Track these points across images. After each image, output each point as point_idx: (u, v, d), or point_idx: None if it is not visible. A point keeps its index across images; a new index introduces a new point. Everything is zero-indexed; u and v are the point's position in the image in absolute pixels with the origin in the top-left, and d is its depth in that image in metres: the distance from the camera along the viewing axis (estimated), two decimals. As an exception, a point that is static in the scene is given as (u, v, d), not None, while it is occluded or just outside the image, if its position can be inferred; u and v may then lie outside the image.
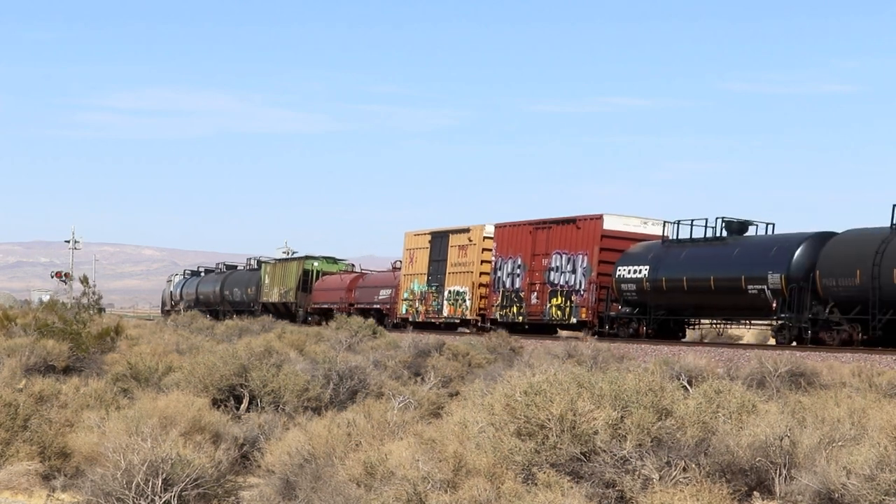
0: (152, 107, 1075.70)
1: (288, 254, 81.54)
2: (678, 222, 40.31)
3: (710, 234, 38.78)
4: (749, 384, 16.76)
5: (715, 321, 40.12)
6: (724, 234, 38.44)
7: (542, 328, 43.45)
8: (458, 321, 49.43)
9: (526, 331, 43.85)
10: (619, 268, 40.60)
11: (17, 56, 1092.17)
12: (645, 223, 42.81)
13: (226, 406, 15.85)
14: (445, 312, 49.94)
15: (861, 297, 31.78)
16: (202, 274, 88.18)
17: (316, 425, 12.37)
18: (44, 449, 13.18)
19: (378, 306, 56.21)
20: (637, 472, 9.91)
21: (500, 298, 46.56)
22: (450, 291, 49.98)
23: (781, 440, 10.60)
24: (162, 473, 10.67)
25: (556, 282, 43.82)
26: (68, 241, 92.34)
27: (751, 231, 38.74)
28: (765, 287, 34.87)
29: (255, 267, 75.52)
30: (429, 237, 52.27)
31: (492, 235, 47.96)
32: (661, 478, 9.76)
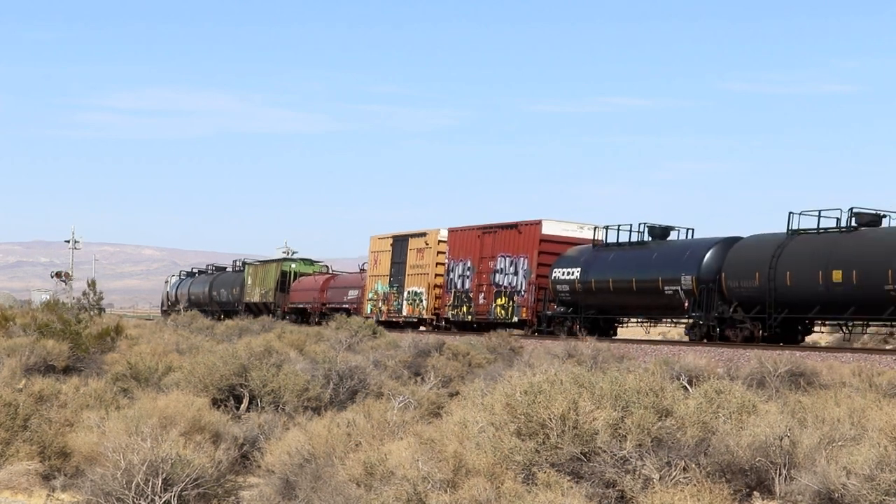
0: (152, 107, 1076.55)
1: (288, 254, 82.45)
2: (607, 227, 43.29)
3: (636, 238, 41.89)
4: (749, 384, 16.76)
5: (638, 319, 43.31)
6: (648, 238, 41.50)
7: (489, 326, 44.89)
8: (415, 320, 52.40)
9: (474, 329, 46.18)
10: (555, 270, 43.51)
11: (17, 56, 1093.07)
12: (581, 228, 45.76)
13: (226, 406, 15.85)
14: (405, 312, 53.02)
15: (760, 298, 34.80)
16: (196, 275, 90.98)
17: (316, 425, 12.36)
18: (44, 449, 13.18)
19: (347, 306, 59.32)
20: (637, 472, 9.91)
21: (452, 298, 49.86)
22: (409, 292, 53.33)
23: (781, 440, 10.60)
24: (162, 473, 10.67)
25: (500, 283, 47.01)
26: (68, 241, 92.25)
27: (672, 236, 41.60)
28: (679, 288, 37.81)
29: (241, 269, 78.85)
30: (391, 241, 55.55)
31: (445, 239, 51.35)
32: (661, 478, 9.76)
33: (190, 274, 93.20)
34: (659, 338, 43.48)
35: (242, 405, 16.28)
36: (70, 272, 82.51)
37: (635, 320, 43.57)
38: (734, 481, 10.46)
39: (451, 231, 51.21)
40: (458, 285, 49.73)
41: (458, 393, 17.71)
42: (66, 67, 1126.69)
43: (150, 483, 10.60)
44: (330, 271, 69.45)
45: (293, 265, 70.06)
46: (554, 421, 10.26)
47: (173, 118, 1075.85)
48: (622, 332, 44.84)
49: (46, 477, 12.89)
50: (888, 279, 30.96)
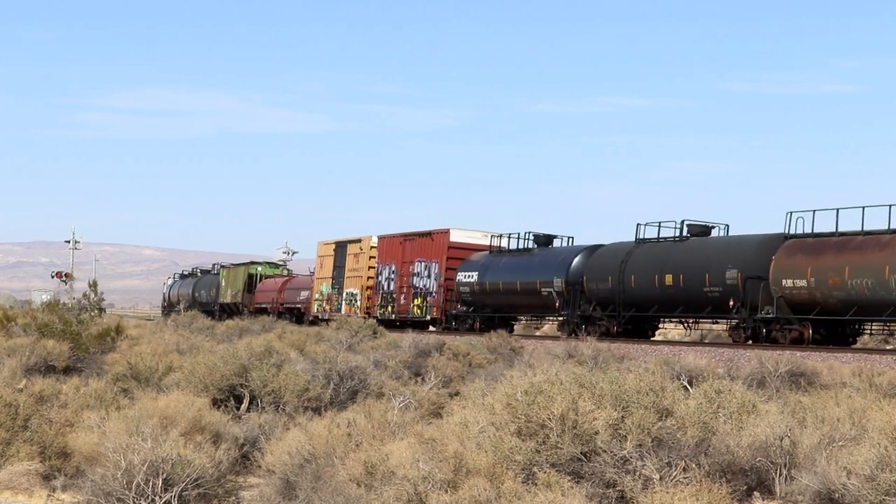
0: (152, 107, 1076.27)
1: (288, 254, 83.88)
2: (501, 236, 48.98)
3: (524, 245, 47.53)
4: (749, 384, 16.76)
5: (525, 318, 48.75)
6: (533, 245, 47.19)
7: (409, 324, 49.67)
8: (354, 318, 56.40)
9: (397, 326, 49.70)
10: (459, 273, 49.14)
11: (17, 56, 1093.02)
12: (486, 236, 50.62)
13: (226, 406, 15.85)
14: (343, 311, 57.77)
15: (612, 298, 40.48)
16: (187, 277, 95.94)
17: (316, 425, 12.37)
18: (44, 449, 13.18)
19: (299, 306, 65.40)
20: (637, 473, 9.91)
21: (379, 299, 55.39)
22: (347, 293, 58.91)
23: (782, 440, 10.61)
24: (162, 473, 10.68)
25: (417, 285, 52.65)
26: (68, 241, 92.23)
27: (556, 243, 47.15)
28: (552, 289, 43.21)
29: (218, 272, 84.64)
30: (333, 246, 61.21)
31: (376, 245, 56.75)
32: (661, 478, 9.76)
33: (183, 276, 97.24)
34: (539, 334, 47.68)
35: (243, 405, 16.29)
36: (70, 272, 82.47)
37: (524, 318, 48.91)
38: (734, 481, 10.46)
39: (380, 238, 56.74)
40: (385, 287, 55.07)
41: (458, 393, 17.72)
42: (66, 67, 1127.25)
43: (151, 483, 10.61)
44: (290, 274, 75.02)
45: (259, 268, 76.24)
46: (554, 421, 10.26)
47: (173, 118, 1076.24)
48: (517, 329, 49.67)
49: (47, 477, 12.90)
50: (706, 282, 36.62)
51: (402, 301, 53.31)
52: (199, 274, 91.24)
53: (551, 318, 46.03)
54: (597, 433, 10.24)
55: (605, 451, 10.10)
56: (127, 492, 10.54)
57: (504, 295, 46.43)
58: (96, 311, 24.23)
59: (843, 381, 18.47)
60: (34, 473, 12.72)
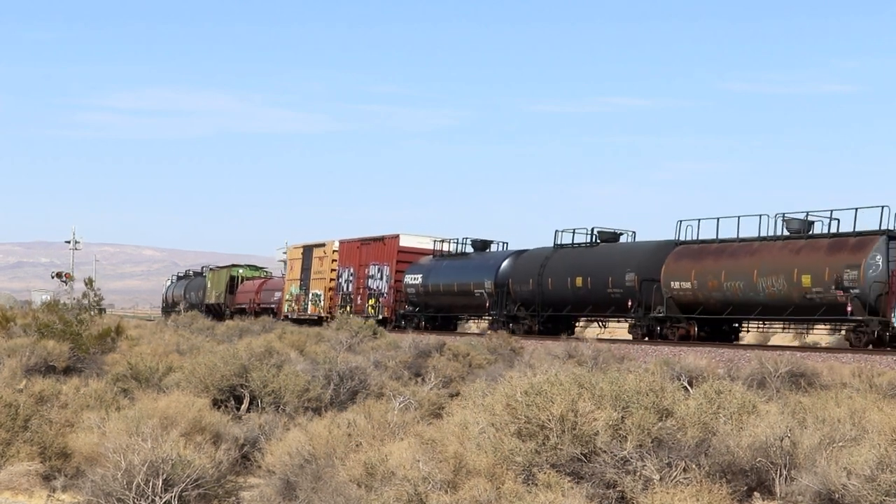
0: (152, 107, 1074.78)
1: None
2: (444, 241, 53.18)
3: (464, 250, 51.77)
4: (749, 385, 16.77)
5: (464, 316, 52.78)
6: (471, 250, 51.37)
7: None
8: (317, 317, 60.16)
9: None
10: (407, 276, 52.95)
11: (17, 56, 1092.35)
12: (432, 241, 54.52)
13: (226, 406, 15.85)
14: (309, 310, 62.10)
15: (533, 299, 44.23)
16: (181, 279, 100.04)
17: (316, 426, 12.37)
18: (44, 449, 13.19)
19: (273, 306, 69.86)
20: (638, 473, 9.91)
21: (339, 300, 59.32)
22: (313, 294, 63.03)
23: (782, 441, 10.61)
24: (162, 474, 10.68)
25: (371, 286, 56.75)
26: (69, 242, 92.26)
27: (492, 248, 51.02)
28: (483, 291, 47.32)
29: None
30: (301, 250, 65.70)
31: (338, 249, 60.85)
32: (661, 478, 9.76)
33: (179, 277, 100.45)
34: (477, 331, 49.97)
35: (243, 406, 16.29)
36: (71, 273, 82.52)
37: (464, 317, 52.93)
38: (734, 482, 10.46)
39: (341, 242, 60.88)
40: (345, 288, 59.37)
41: (458, 393, 17.71)
42: (66, 67, 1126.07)
43: (151, 483, 10.61)
44: (268, 276, 79.65)
45: (240, 270, 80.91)
46: (553, 422, 10.26)
47: (173, 118, 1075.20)
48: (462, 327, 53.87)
49: (47, 477, 12.90)
50: (609, 284, 40.39)
51: (359, 301, 57.25)
52: (191, 276, 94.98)
53: (484, 317, 49.93)
54: (597, 434, 10.24)
55: (605, 452, 10.10)
56: (127, 492, 10.55)
57: (444, 296, 50.52)
58: (96, 312, 24.19)
59: (843, 382, 18.48)
60: (34, 474, 12.73)
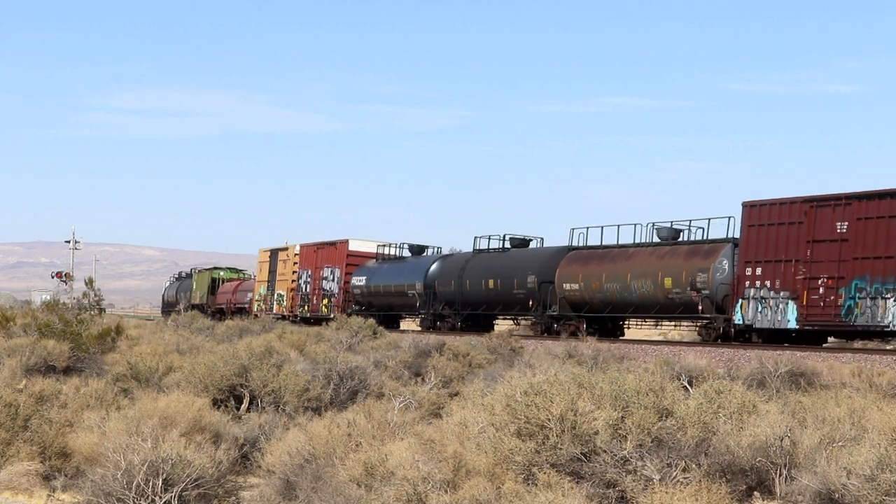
0: (153, 107, 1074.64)
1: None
2: (385, 245, 59.16)
3: (402, 254, 57.81)
4: (749, 384, 16.76)
5: (401, 315, 56.87)
6: (408, 254, 57.15)
7: (319, 321, 55.25)
8: (280, 316, 64.31)
9: (311, 323, 56.63)
10: (354, 278, 58.33)
11: (18, 56, 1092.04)
12: (377, 245, 59.92)
13: (226, 406, 15.85)
14: (275, 310, 67.22)
15: (455, 298, 49.30)
16: (176, 281, 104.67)
17: (316, 425, 12.37)
18: (44, 449, 13.19)
19: (245, 306, 74.91)
20: (638, 473, 9.91)
21: (299, 300, 64.49)
22: (277, 294, 68.41)
23: (782, 440, 10.61)
24: (162, 473, 10.68)
25: (325, 288, 61.72)
26: (68, 242, 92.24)
27: (427, 252, 56.43)
28: (415, 291, 52.26)
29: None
30: (269, 253, 70.84)
31: (298, 253, 65.86)
32: (661, 478, 9.76)
33: (176, 279, 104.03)
34: (411, 329, 52.54)
35: (243, 405, 16.29)
36: (70, 272, 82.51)
37: (402, 315, 56.99)
38: (734, 481, 10.46)
39: (301, 246, 65.96)
40: (304, 289, 64.26)
41: (458, 393, 17.73)
42: (67, 67, 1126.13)
43: (151, 483, 10.61)
44: (244, 278, 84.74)
45: (221, 273, 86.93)
46: (553, 421, 10.26)
47: (174, 118, 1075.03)
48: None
49: (47, 477, 12.90)
50: (515, 286, 45.41)
51: (315, 301, 62.49)
52: (184, 277, 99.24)
53: (416, 315, 54.46)
54: (597, 433, 10.24)
55: (605, 452, 10.10)
56: (127, 492, 10.55)
57: (383, 296, 55.81)
58: (96, 311, 24.17)
59: (843, 382, 18.47)
60: (34, 473, 12.73)
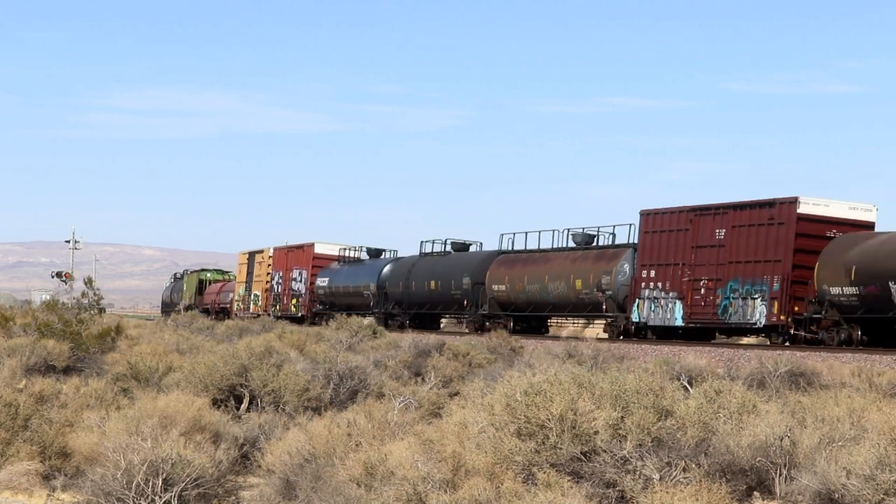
0: (153, 107, 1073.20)
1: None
2: (346, 248, 63.69)
3: (362, 257, 62.33)
4: (749, 384, 16.75)
5: (358, 313, 59.48)
6: (366, 257, 62.13)
7: (289, 319, 59.85)
8: (256, 315, 67.53)
9: (279, 318, 61.00)
10: (318, 279, 63.22)
11: (18, 56, 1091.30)
12: (339, 248, 64.48)
13: (226, 406, 15.85)
14: (251, 309, 71.75)
15: (403, 298, 53.71)
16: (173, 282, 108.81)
17: (316, 425, 12.37)
18: (44, 449, 13.19)
19: (227, 305, 79.77)
20: (637, 472, 9.91)
21: (272, 299, 69.47)
22: (254, 294, 73.30)
23: (781, 440, 10.61)
24: (162, 473, 10.68)
25: (294, 288, 66.81)
26: (68, 241, 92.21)
27: (384, 255, 61.32)
28: (369, 292, 57.35)
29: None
30: (247, 256, 75.78)
31: (272, 255, 70.72)
32: (661, 478, 9.76)
33: (174, 279, 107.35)
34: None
35: (243, 405, 16.29)
36: (70, 272, 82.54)
37: (358, 314, 59.39)
38: (734, 481, 10.46)
39: (275, 249, 70.74)
40: (276, 290, 69.15)
41: (458, 393, 17.72)
42: (67, 67, 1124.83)
43: (151, 483, 10.61)
44: (227, 279, 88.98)
45: (208, 275, 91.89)
46: (553, 421, 10.26)
47: (174, 118, 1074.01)
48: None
49: (47, 477, 12.90)
50: (452, 287, 49.90)
51: (285, 301, 67.32)
52: (178, 278, 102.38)
53: (370, 314, 57.49)
54: (596, 433, 10.24)
55: (604, 451, 10.10)
56: (127, 492, 10.55)
57: (343, 296, 60.62)
58: (96, 311, 24.18)
59: (842, 382, 18.47)
60: (34, 473, 12.73)
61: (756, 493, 10.69)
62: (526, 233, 47.87)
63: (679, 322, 38.34)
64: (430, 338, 28.26)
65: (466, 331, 47.62)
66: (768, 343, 36.27)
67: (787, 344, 34.53)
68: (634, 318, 39.88)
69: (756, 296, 35.63)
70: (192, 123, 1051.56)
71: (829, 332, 33.81)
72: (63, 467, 12.97)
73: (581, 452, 10.18)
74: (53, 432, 13.39)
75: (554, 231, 46.19)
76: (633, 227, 41.55)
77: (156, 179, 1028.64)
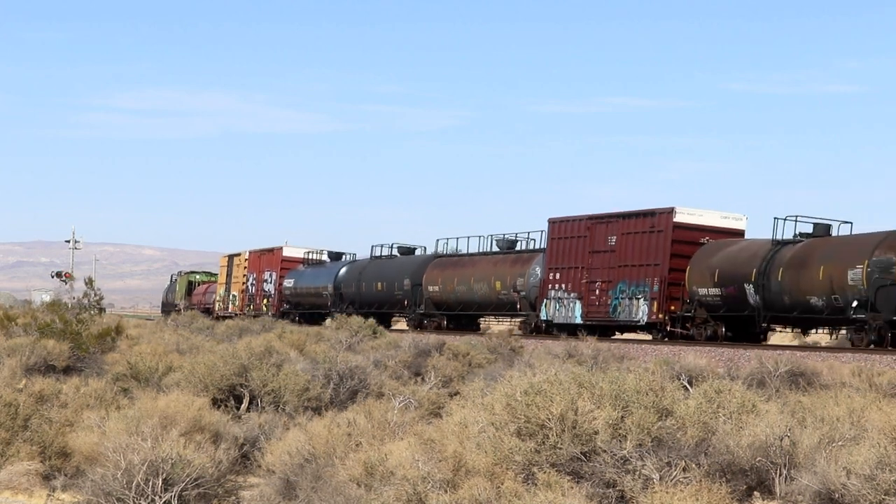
0: (153, 107, 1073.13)
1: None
2: (310, 251, 67.74)
3: (321, 259, 66.94)
4: (749, 384, 16.75)
5: (320, 313, 62.66)
6: (328, 259, 66.41)
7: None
8: (233, 315, 71.84)
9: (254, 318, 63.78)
10: (285, 280, 67.97)
11: (18, 56, 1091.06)
12: (304, 252, 68.74)
13: (226, 406, 15.85)
14: (230, 309, 76.56)
15: (356, 299, 58.10)
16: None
17: (316, 425, 12.37)
18: (44, 449, 13.19)
19: (210, 305, 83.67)
20: (637, 472, 9.91)
21: (247, 300, 74.61)
22: (232, 295, 78.26)
23: (781, 440, 10.61)
24: (162, 473, 10.68)
25: (265, 289, 71.91)
26: (68, 241, 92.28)
27: (344, 258, 65.17)
28: (327, 293, 61.39)
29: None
30: (227, 258, 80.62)
31: (248, 258, 75.59)
32: (661, 478, 9.76)
33: (172, 280, 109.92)
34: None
35: (243, 405, 16.29)
36: (70, 272, 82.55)
37: (321, 313, 62.65)
38: (734, 481, 10.46)
39: (250, 252, 75.49)
40: (251, 291, 74.22)
41: (458, 393, 17.71)
42: (68, 67, 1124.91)
43: (151, 483, 10.61)
44: (212, 280, 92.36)
45: (197, 276, 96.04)
46: (553, 421, 10.26)
47: (174, 118, 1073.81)
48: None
49: (47, 477, 12.90)
50: (395, 288, 54.13)
51: (258, 301, 72.37)
52: (174, 279, 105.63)
53: (328, 314, 60.30)
54: (596, 433, 10.24)
55: (604, 451, 10.10)
56: (127, 492, 10.55)
57: (306, 297, 64.92)
58: (96, 311, 24.18)
59: (842, 381, 18.47)
60: (34, 473, 12.73)
61: (756, 493, 10.69)
62: (458, 238, 54.35)
63: (579, 320, 42.10)
64: (430, 338, 28.26)
65: (407, 328, 51.11)
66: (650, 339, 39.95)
67: (665, 339, 38.11)
68: (543, 316, 43.88)
69: (640, 296, 39.86)
70: (192, 123, 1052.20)
71: (699, 329, 37.80)
72: (63, 467, 12.97)
73: (581, 452, 10.18)
74: (53, 432, 13.39)
75: (481, 237, 50.57)
76: (544, 232, 45.40)
77: (156, 179, 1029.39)
